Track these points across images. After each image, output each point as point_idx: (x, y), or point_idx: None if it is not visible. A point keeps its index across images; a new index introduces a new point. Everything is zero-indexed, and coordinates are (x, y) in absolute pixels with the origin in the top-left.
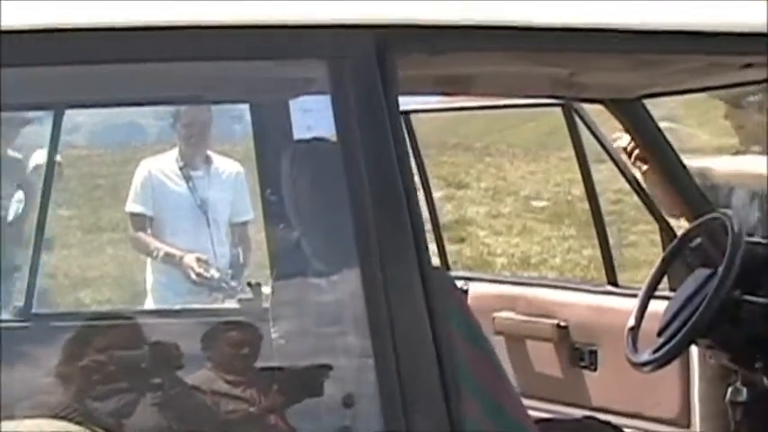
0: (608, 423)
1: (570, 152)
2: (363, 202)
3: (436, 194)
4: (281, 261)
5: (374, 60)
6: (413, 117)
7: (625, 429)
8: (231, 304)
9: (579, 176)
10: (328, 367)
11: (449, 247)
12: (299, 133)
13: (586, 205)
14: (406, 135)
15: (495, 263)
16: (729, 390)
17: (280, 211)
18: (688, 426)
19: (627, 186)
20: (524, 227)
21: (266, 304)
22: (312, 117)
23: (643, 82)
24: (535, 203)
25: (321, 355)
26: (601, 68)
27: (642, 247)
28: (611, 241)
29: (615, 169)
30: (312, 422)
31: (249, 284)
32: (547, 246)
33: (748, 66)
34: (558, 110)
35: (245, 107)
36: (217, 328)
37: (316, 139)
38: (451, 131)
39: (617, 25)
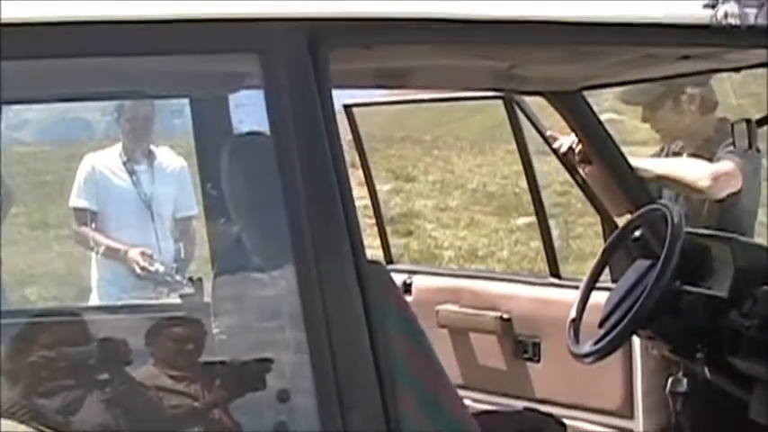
0: (549, 415)
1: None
2: (297, 197)
3: (384, 188)
4: (222, 256)
5: (306, 54)
6: (360, 111)
7: (568, 421)
8: (174, 299)
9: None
10: (268, 362)
11: (396, 241)
12: (236, 128)
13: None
14: (349, 129)
15: (442, 256)
16: (670, 380)
17: (220, 206)
18: (631, 417)
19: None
20: (472, 219)
21: (208, 299)
22: (248, 111)
23: (582, 74)
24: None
25: (261, 349)
26: (540, 61)
27: (589, 239)
28: (558, 233)
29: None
30: (251, 417)
31: (191, 279)
32: (494, 238)
33: (685, 57)
34: None
35: (186, 102)
36: (159, 324)
37: (252, 133)
38: (399, 125)
39: (554, 17)
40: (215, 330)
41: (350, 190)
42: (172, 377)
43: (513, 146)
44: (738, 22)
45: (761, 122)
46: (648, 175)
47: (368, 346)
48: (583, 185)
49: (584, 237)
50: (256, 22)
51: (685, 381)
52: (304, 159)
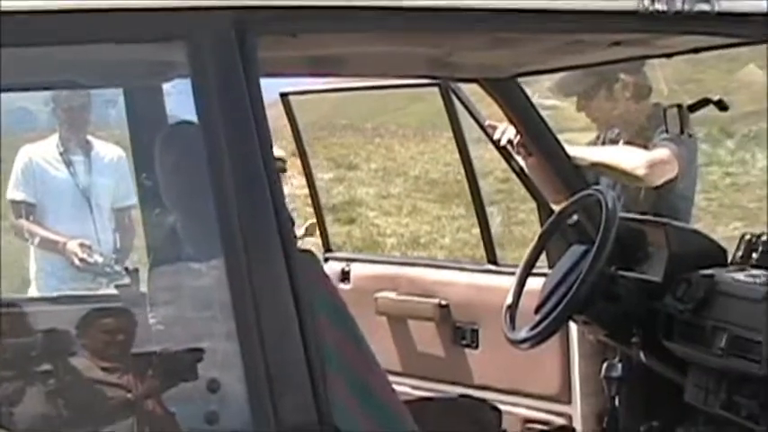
0: (483, 401)
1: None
2: (225, 186)
3: (326, 176)
4: (157, 246)
5: (233, 42)
6: (302, 99)
7: (506, 407)
8: (110, 290)
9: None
10: (199, 352)
11: (339, 229)
12: (169, 117)
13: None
14: (286, 117)
15: (384, 243)
16: (604, 365)
17: (153, 197)
18: (569, 402)
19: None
20: (414, 207)
21: (144, 289)
22: (179, 101)
23: (515, 61)
24: None
25: (193, 340)
26: (473, 48)
27: (531, 225)
28: (500, 219)
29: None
30: (182, 407)
31: (126, 270)
32: (437, 225)
33: (616, 44)
34: None
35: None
36: (91, 315)
37: (182, 122)
38: (342, 113)
39: (482, 5)
40: (150, 321)
41: (279, 178)
42: (104, 368)
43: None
44: (665, 7)
45: (693, 108)
46: (585, 163)
47: (298, 334)
48: (519, 172)
49: (526, 223)
50: (183, 11)
51: (620, 365)
52: (232, 148)
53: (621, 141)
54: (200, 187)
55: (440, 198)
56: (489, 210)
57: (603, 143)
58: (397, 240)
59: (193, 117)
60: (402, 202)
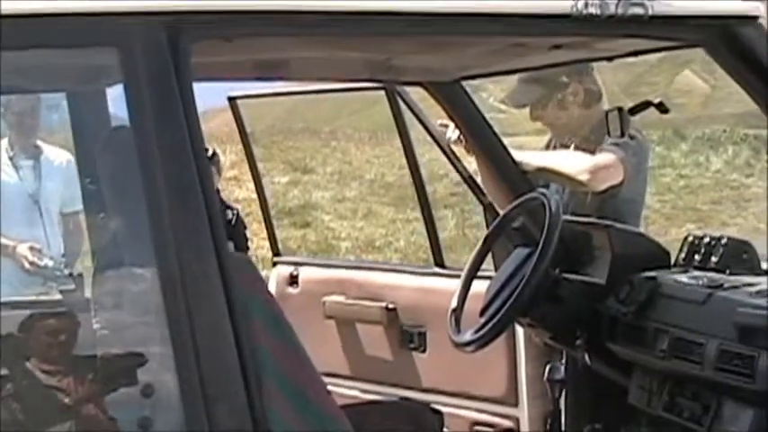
0: (425, 404)
1: (416, 135)
2: (158, 191)
3: (282, 180)
4: (99, 250)
5: (166, 48)
6: (259, 102)
7: (454, 410)
8: (56, 296)
9: (426, 159)
10: (134, 357)
11: (294, 233)
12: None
13: (431, 188)
14: (235, 121)
15: (339, 247)
16: (547, 368)
17: (95, 201)
18: (516, 404)
19: (473, 167)
20: (369, 210)
21: (88, 294)
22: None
23: (457, 64)
24: None
25: (132, 344)
26: (414, 52)
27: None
28: (454, 222)
29: (461, 150)
30: (116, 413)
31: (71, 275)
32: (392, 228)
33: (557, 47)
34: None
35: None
36: (32, 319)
37: (120, 128)
38: (300, 116)
39: (419, 9)
40: (96, 326)
41: (211, 182)
42: (45, 371)
43: (413, 135)
44: (598, 11)
45: (633, 111)
46: (530, 168)
47: (231, 339)
48: (464, 175)
49: (480, 226)
50: (115, 15)
51: (562, 368)
52: (164, 153)
53: (572, 146)
54: (135, 192)
55: (394, 201)
56: (443, 213)
57: (555, 147)
58: (351, 244)
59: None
60: (357, 206)
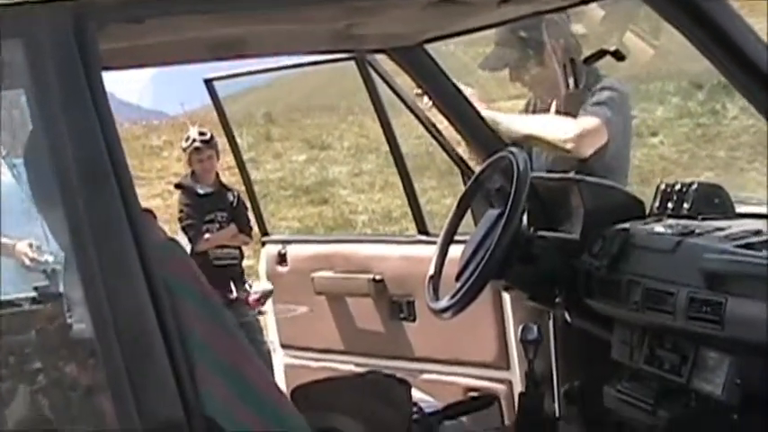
0: (391, 376)
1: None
2: (71, 181)
3: (299, 158)
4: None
5: (71, 35)
6: (280, 83)
7: (447, 377)
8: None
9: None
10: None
11: (311, 210)
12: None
13: (446, 156)
14: (212, 102)
15: (356, 221)
16: (520, 329)
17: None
18: (507, 367)
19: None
20: (386, 182)
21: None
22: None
23: (417, 28)
24: None
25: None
26: (374, 18)
27: None
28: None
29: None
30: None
31: (44, 272)
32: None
33: (505, 1)
34: None
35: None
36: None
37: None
38: (322, 93)
39: None
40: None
41: (127, 169)
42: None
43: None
44: None
45: (588, 60)
46: (517, 135)
47: (156, 325)
48: (440, 140)
49: None
50: (17, 6)
51: (535, 328)
52: (75, 141)
53: (553, 108)
54: (51, 181)
55: (411, 172)
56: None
57: (534, 111)
58: (368, 217)
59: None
60: (374, 179)
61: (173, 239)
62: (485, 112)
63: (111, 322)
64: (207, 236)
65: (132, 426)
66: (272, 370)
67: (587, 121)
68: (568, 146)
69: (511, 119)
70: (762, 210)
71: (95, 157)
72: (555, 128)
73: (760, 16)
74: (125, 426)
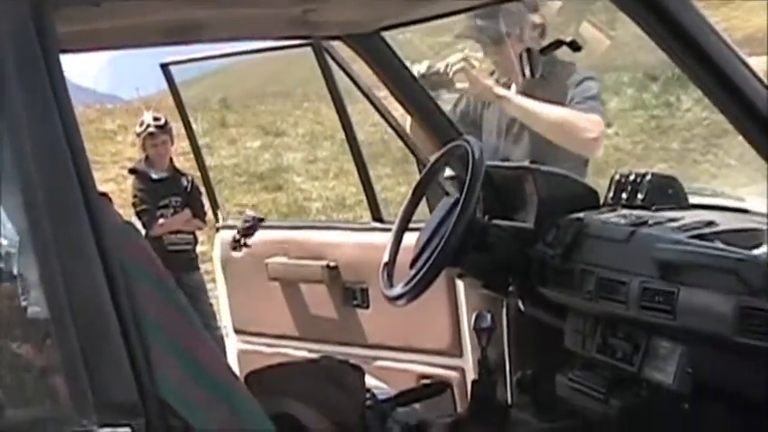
0: (345, 362)
1: (386, 91)
2: (28, 167)
3: (254, 144)
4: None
5: (29, 19)
6: (236, 68)
7: (400, 364)
8: None
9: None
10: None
11: (266, 196)
12: None
13: (401, 144)
14: (168, 87)
15: (310, 208)
16: (473, 317)
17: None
18: (460, 355)
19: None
20: (341, 169)
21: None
22: None
23: (374, 15)
24: None
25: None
26: (331, 4)
27: None
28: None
29: None
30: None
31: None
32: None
33: None
34: None
35: None
36: None
37: None
38: (276, 80)
39: None
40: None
41: (84, 153)
42: None
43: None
44: None
45: (544, 50)
46: (540, 124)
47: (111, 307)
48: (396, 128)
49: None
50: None
51: (489, 316)
52: (32, 123)
53: (513, 87)
54: (7, 164)
55: (366, 159)
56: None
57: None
58: (322, 204)
59: None
60: (329, 166)
61: (129, 223)
62: (515, 98)
63: (67, 304)
64: (161, 221)
65: (87, 408)
66: (225, 355)
67: (598, 121)
68: (589, 146)
69: (540, 105)
70: (714, 201)
71: (53, 140)
72: (582, 123)
73: (713, 9)
74: (79, 408)
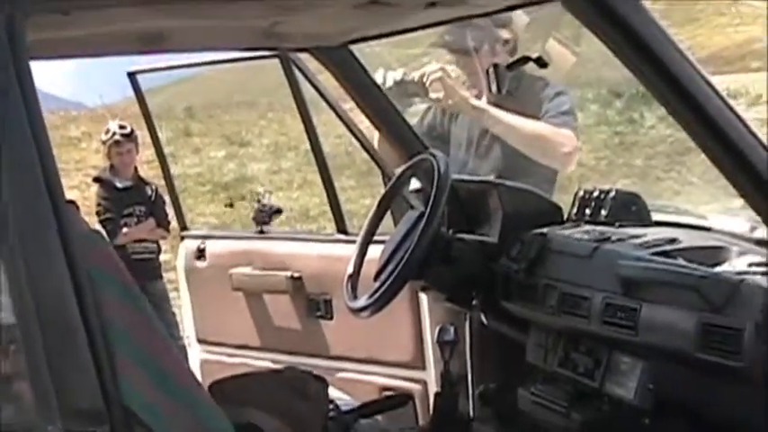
0: (308, 372)
1: (352, 103)
2: None
3: (218, 154)
4: None
5: (0, 27)
6: (202, 78)
7: (363, 376)
8: None
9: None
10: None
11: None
12: None
13: (366, 156)
14: (135, 96)
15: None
16: (437, 330)
17: None
18: (423, 368)
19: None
20: (305, 180)
21: None
22: None
23: (341, 28)
24: None
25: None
26: (299, 17)
27: None
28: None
29: None
30: None
31: None
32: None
33: (432, 5)
34: None
35: None
36: None
37: None
38: (242, 89)
39: None
40: None
41: (53, 160)
42: None
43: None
44: None
45: (511, 66)
46: (519, 138)
47: (77, 314)
48: (362, 140)
49: None
50: None
51: (452, 329)
52: (3, 135)
53: (484, 99)
54: None
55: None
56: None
57: None
58: (285, 215)
59: None
60: (293, 177)
61: (96, 231)
62: (491, 110)
63: (33, 310)
64: (125, 230)
65: (52, 414)
66: (188, 365)
67: (572, 136)
68: (563, 160)
69: (515, 119)
70: (677, 219)
71: (22, 147)
72: (557, 137)
73: (678, 27)
74: (44, 414)
